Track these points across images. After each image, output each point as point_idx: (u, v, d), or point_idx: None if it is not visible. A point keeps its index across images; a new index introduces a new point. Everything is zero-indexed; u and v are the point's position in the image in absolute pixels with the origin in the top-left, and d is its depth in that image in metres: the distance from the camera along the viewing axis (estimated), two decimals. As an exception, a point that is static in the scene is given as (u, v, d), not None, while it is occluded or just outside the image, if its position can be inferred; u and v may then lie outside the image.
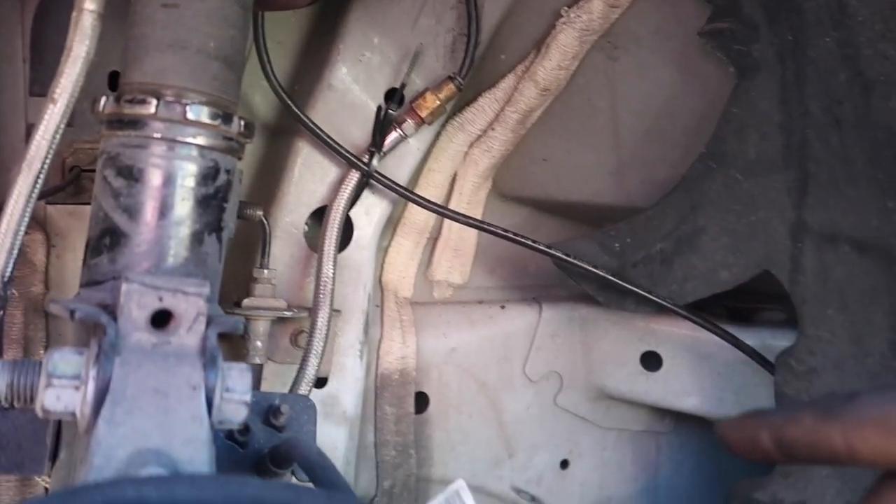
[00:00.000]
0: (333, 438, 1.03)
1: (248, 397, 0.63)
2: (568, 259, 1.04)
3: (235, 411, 0.63)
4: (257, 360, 0.95)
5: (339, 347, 1.03)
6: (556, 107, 1.09)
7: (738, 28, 0.87)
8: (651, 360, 1.19)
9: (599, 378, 1.22)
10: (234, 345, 1.00)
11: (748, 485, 1.06)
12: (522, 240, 1.04)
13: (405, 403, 1.12)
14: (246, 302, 0.93)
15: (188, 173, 0.70)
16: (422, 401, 1.15)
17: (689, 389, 1.19)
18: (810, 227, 0.96)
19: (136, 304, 0.61)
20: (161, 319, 0.62)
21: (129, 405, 0.57)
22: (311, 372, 0.93)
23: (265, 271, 0.95)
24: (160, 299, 0.62)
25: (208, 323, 0.63)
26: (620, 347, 1.20)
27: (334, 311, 1.00)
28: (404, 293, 1.16)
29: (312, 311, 0.95)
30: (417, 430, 1.14)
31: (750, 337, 1.11)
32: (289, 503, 0.50)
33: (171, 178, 0.69)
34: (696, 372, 1.18)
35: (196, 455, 0.57)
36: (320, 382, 1.03)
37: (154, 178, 0.69)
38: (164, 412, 0.58)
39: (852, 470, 0.99)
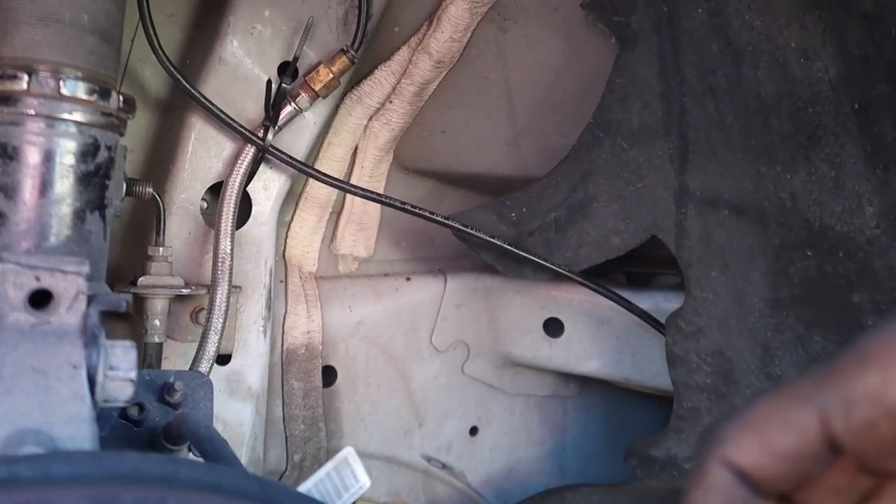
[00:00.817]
0: (240, 414, 1.03)
1: (133, 374, 0.63)
2: (466, 230, 1.06)
3: (120, 389, 0.63)
4: (156, 339, 0.94)
5: (242, 324, 1.03)
6: (452, 78, 1.11)
7: (617, 0, 0.89)
8: (553, 327, 1.23)
9: (505, 346, 1.26)
10: (133, 324, 0.99)
11: (645, 442, 1.11)
12: (421, 212, 1.05)
13: (312, 377, 1.13)
14: (142, 280, 0.92)
15: (66, 150, 0.69)
16: (329, 374, 1.16)
17: (590, 353, 1.23)
18: (692, 193, 1.00)
19: (13, 284, 0.60)
20: (40, 299, 0.62)
21: (7, 385, 0.57)
22: (211, 349, 0.93)
23: (161, 249, 0.94)
24: (37, 279, 0.61)
25: (89, 301, 0.62)
26: (524, 315, 1.23)
27: (235, 288, 0.99)
28: (308, 268, 1.17)
29: (211, 288, 0.95)
30: (326, 404, 1.15)
31: (644, 300, 1.15)
32: (168, 475, 0.50)
33: (49, 156, 0.69)
34: (595, 336, 1.22)
35: (77, 433, 0.57)
36: (224, 359, 1.02)
37: (31, 155, 0.68)
38: (43, 391, 0.57)
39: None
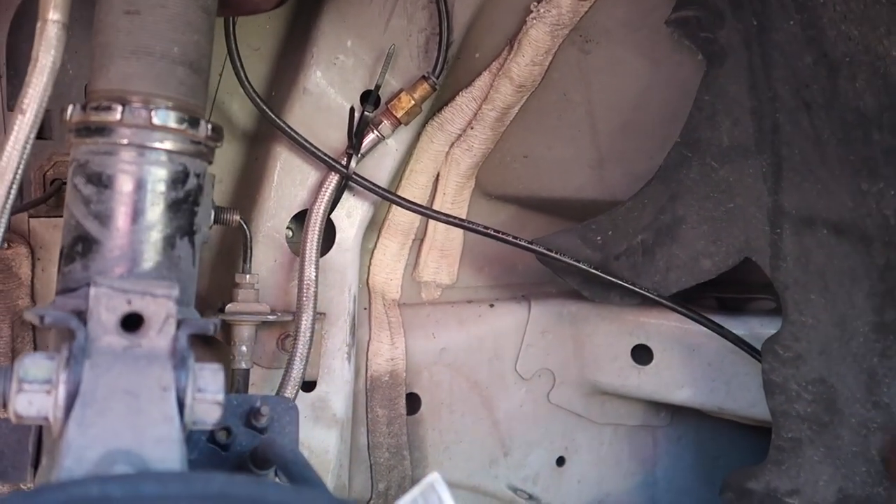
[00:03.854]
0: (325, 441, 1.03)
1: (220, 397, 0.63)
2: (551, 254, 1.04)
3: (208, 411, 0.63)
4: (243, 365, 0.95)
5: (327, 350, 1.04)
6: (534, 103, 1.10)
7: (704, 15, 0.87)
8: (642, 354, 1.19)
9: (592, 373, 1.22)
10: (220, 351, 1.00)
11: (742, 474, 1.05)
12: (504, 237, 1.04)
13: (396, 405, 1.13)
14: (229, 307, 0.94)
15: (157, 178, 0.71)
16: (413, 402, 1.16)
17: (681, 381, 1.19)
18: (787, 212, 0.96)
19: (105, 307, 0.62)
20: (131, 322, 0.63)
21: (100, 407, 0.58)
22: (297, 375, 0.93)
23: (247, 276, 0.96)
24: (129, 302, 0.62)
25: (179, 325, 0.63)
26: (611, 342, 1.20)
27: (319, 314, 1.00)
28: (392, 295, 1.17)
29: (296, 315, 0.96)
30: (410, 432, 1.15)
31: (738, 326, 1.11)
32: (254, 497, 0.50)
33: (141, 184, 0.70)
34: (686, 363, 1.18)
35: (167, 454, 0.57)
36: (309, 386, 1.03)
37: (124, 183, 0.70)
38: (134, 413, 0.58)
39: (844, 456, 0.99)
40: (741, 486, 1.04)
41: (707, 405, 1.19)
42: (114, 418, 0.57)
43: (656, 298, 1.04)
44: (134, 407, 0.58)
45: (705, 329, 1.12)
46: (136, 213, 0.70)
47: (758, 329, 1.12)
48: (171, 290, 0.63)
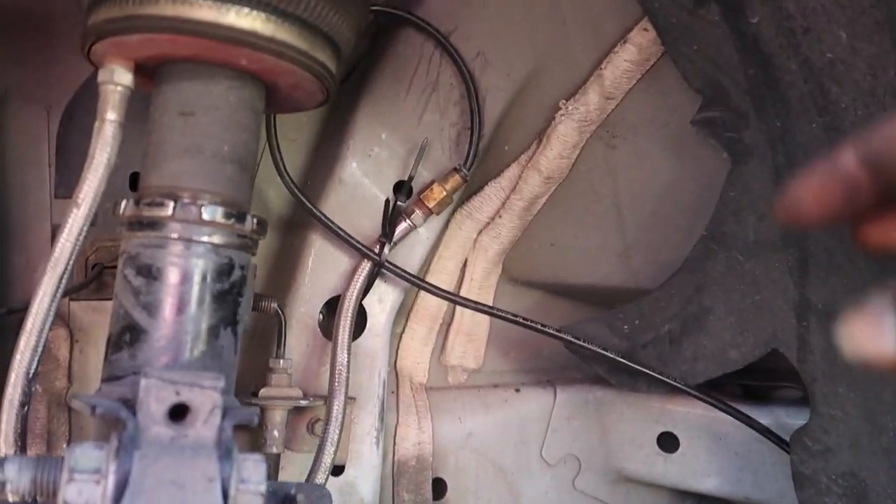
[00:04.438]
0: (351, 527, 1.03)
1: (262, 488, 0.64)
2: (578, 342, 1.05)
3: (251, 502, 0.64)
4: (274, 450, 0.96)
5: (356, 435, 1.05)
6: (561, 193, 1.13)
7: (728, 116, 0.90)
8: (668, 442, 1.19)
9: (618, 460, 1.22)
10: (251, 434, 1.02)
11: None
12: (532, 324, 1.06)
13: (423, 490, 1.13)
14: (263, 392, 0.95)
15: (204, 270, 0.74)
16: (439, 487, 1.16)
17: (708, 470, 1.18)
18: (814, 305, 0.97)
19: (155, 398, 0.64)
20: (178, 413, 0.65)
21: (148, 498, 0.59)
22: (327, 460, 0.94)
23: (281, 361, 0.98)
24: (177, 393, 0.64)
25: (224, 415, 0.65)
26: (637, 429, 1.20)
27: (349, 399, 1.01)
28: (419, 379, 1.18)
29: (328, 400, 0.97)
30: (436, 518, 1.14)
31: (764, 415, 1.11)
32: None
33: (188, 276, 0.73)
34: (713, 452, 1.18)
35: (213, 547, 0.58)
36: (337, 470, 1.04)
37: (172, 276, 0.73)
38: (180, 504, 0.60)
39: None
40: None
41: (734, 495, 1.18)
42: (161, 510, 0.59)
43: (684, 388, 1.05)
44: (180, 498, 0.60)
45: (732, 418, 1.12)
46: (183, 305, 0.72)
47: (784, 419, 1.12)
48: (217, 382, 0.65)
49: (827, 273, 0.95)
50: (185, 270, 0.73)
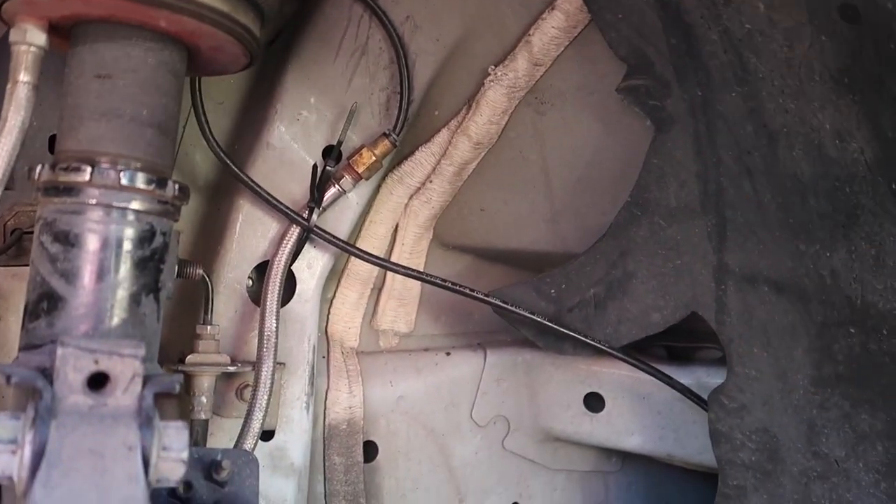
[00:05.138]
0: (282, 490, 1.04)
1: (185, 455, 0.64)
2: (506, 306, 1.07)
3: (173, 469, 0.64)
4: (203, 416, 0.96)
5: (285, 400, 1.05)
6: (491, 159, 1.14)
7: (652, 85, 0.92)
8: (594, 402, 1.23)
9: (546, 420, 1.25)
10: (180, 401, 1.01)
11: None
12: (461, 289, 1.07)
13: (354, 453, 1.14)
14: (190, 358, 0.95)
15: (124, 237, 0.72)
16: (370, 450, 1.17)
17: (632, 429, 1.22)
18: (731, 270, 1.00)
19: (72, 367, 0.63)
20: (97, 382, 0.64)
21: (65, 467, 0.59)
22: (256, 425, 0.94)
23: (208, 327, 0.97)
24: (96, 362, 0.63)
25: (144, 383, 0.65)
26: (564, 390, 1.23)
27: (279, 364, 1.01)
28: (350, 343, 1.19)
29: (256, 365, 0.97)
30: (367, 479, 1.16)
31: (685, 376, 1.15)
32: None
33: (107, 243, 0.72)
34: (636, 412, 1.21)
35: (132, 514, 0.58)
36: (267, 435, 1.04)
37: (90, 242, 0.71)
38: (100, 473, 0.59)
39: (786, 503, 1.03)
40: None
41: (656, 452, 1.22)
42: (79, 479, 0.58)
43: (608, 350, 1.07)
44: (99, 467, 0.59)
45: (655, 379, 1.16)
46: (103, 272, 0.71)
47: (704, 378, 1.16)
48: (137, 350, 0.64)
49: (744, 239, 0.98)
50: (103, 237, 0.72)
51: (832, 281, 0.91)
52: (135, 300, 0.72)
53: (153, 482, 0.63)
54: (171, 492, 0.75)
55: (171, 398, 1.01)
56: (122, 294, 0.72)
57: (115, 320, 0.71)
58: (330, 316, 1.18)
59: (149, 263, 0.74)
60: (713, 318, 1.02)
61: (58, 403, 0.61)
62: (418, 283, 1.22)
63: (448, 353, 1.23)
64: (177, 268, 0.85)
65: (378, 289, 1.21)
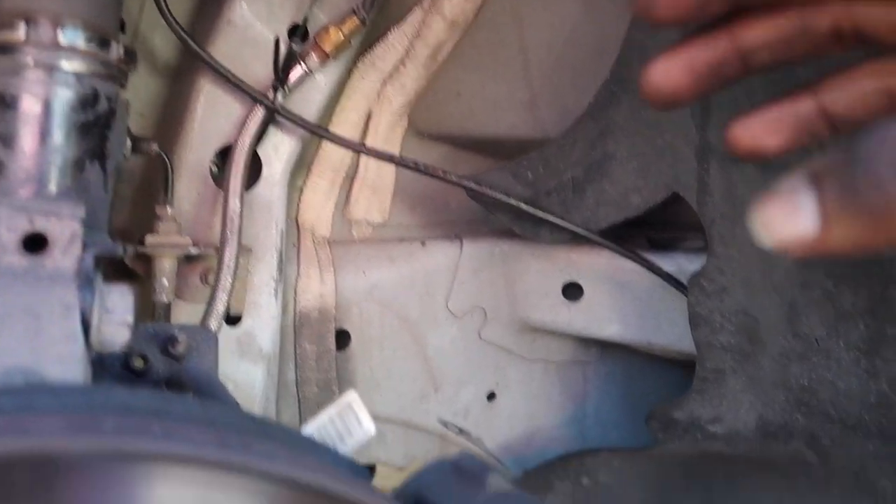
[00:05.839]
0: (251, 375, 1.03)
1: (129, 318, 0.62)
2: (481, 189, 1.04)
3: (117, 333, 0.62)
4: (164, 299, 0.94)
5: (253, 286, 1.03)
6: (466, 41, 1.09)
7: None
8: (573, 291, 1.21)
9: (523, 310, 1.24)
10: (141, 287, 0.99)
11: (667, 405, 1.08)
12: (434, 172, 1.04)
13: (325, 340, 1.12)
14: (149, 239, 0.92)
15: (65, 100, 0.69)
16: (343, 338, 1.16)
17: (611, 317, 1.20)
18: (714, 148, 0.97)
19: (6, 227, 0.60)
20: (34, 244, 0.61)
21: (-2, 327, 0.56)
22: (220, 307, 0.92)
23: (168, 208, 0.94)
24: (31, 222, 0.61)
25: (85, 246, 0.62)
26: (542, 279, 1.21)
27: (245, 249, 0.99)
28: (322, 232, 1.16)
29: (220, 249, 0.94)
30: (340, 367, 1.15)
31: (666, 263, 1.12)
32: (158, 408, 0.50)
33: (47, 105, 0.68)
34: (616, 300, 1.19)
35: (69, 373, 0.56)
36: (234, 320, 1.02)
37: (28, 104, 0.68)
38: (34, 332, 0.57)
39: (765, 384, 1.02)
40: (666, 415, 1.07)
41: (636, 340, 1.21)
42: (11, 337, 0.56)
43: (586, 234, 1.05)
44: (34, 326, 0.57)
45: (635, 266, 1.14)
46: (43, 135, 0.68)
47: (685, 265, 1.13)
48: (76, 210, 0.61)
49: (728, 115, 0.94)
50: (43, 99, 0.68)
51: (818, 151, 0.88)
52: (78, 166, 0.69)
53: (96, 346, 0.61)
54: (126, 364, 0.73)
55: (133, 282, 0.99)
56: (63, 159, 0.68)
57: (58, 186, 0.68)
58: (300, 204, 1.15)
59: (93, 129, 0.70)
60: (694, 199, 1.00)
61: (-10, 263, 0.59)
62: (392, 171, 1.18)
63: (423, 244, 1.20)
64: (131, 143, 0.82)
65: (350, 177, 1.17)
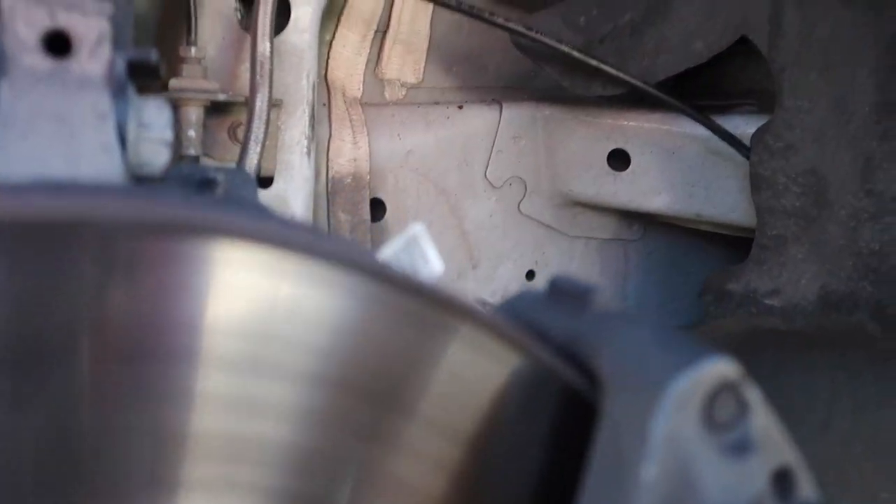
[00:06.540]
0: (283, 242, 0.95)
1: (168, 135, 0.54)
2: (529, 34, 0.94)
3: (156, 152, 0.54)
4: (192, 152, 0.85)
5: (284, 143, 0.94)
6: None
7: None
8: (618, 160, 1.13)
9: (565, 182, 1.16)
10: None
11: (722, 276, 1.02)
12: (478, 13, 0.94)
13: (360, 210, 1.05)
14: (173, 83, 0.83)
15: None
16: (378, 208, 1.08)
17: (659, 187, 1.13)
18: (793, -20, 0.88)
19: (24, 20, 0.51)
20: (57, 45, 0.52)
21: (23, 129, 0.48)
22: (253, 161, 0.84)
23: (193, 49, 0.85)
24: (52, 17, 0.52)
25: (115, 49, 0.53)
26: (586, 147, 1.13)
27: (276, 101, 0.90)
28: (353, 92, 1.07)
29: (250, 96, 0.86)
30: (375, 239, 1.07)
31: (723, 125, 1.04)
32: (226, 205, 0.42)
33: None
34: (665, 168, 1.12)
35: (109, 187, 0.48)
36: (265, 182, 0.94)
37: None
38: (66, 140, 0.49)
39: (830, 251, 0.95)
40: (721, 287, 1.01)
41: (685, 212, 1.13)
42: (41, 144, 0.48)
43: (644, 88, 0.96)
44: (66, 133, 0.49)
45: (686, 131, 1.06)
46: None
47: (743, 128, 1.05)
48: (103, 6, 0.53)
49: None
50: None
51: None
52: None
53: (134, 166, 0.53)
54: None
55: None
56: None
57: (76, -10, 0.59)
58: (329, 61, 1.05)
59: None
60: (766, 43, 0.91)
61: (8, 61, 0.50)
62: (427, 25, 1.09)
63: (460, 107, 1.11)
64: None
65: (382, 32, 1.08)
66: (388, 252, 0.57)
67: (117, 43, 0.59)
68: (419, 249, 0.58)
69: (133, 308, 0.30)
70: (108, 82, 0.52)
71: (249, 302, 0.31)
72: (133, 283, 0.30)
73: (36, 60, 0.51)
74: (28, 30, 0.51)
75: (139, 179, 0.56)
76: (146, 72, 0.55)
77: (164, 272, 0.30)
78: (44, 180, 0.41)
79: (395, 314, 0.34)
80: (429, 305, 0.36)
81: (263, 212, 0.57)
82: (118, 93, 0.52)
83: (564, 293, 0.45)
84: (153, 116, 0.53)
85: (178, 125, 0.85)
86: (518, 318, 0.45)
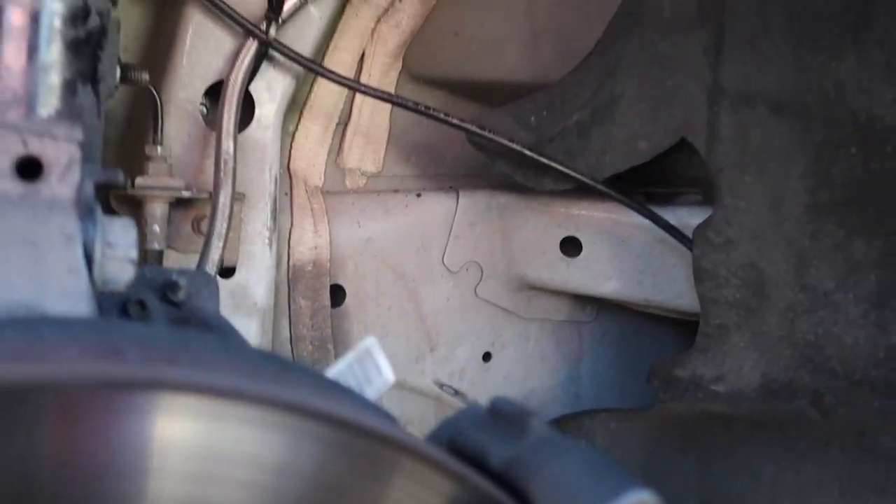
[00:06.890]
0: (245, 330, 0.97)
1: (133, 254, 0.57)
2: (483, 133, 0.99)
3: (121, 270, 0.57)
4: (156, 246, 0.88)
5: (247, 235, 0.97)
6: (466, -25, 1.04)
7: None
8: (571, 246, 1.17)
9: (520, 267, 1.20)
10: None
11: (668, 362, 1.05)
12: (434, 113, 0.99)
13: (320, 296, 1.08)
14: (139, 181, 0.86)
15: (54, 12, 0.62)
16: (338, 293, 1.11)
17: (609, 273, 1.17)
18: (727, 90, 0.93)
19: (-3, 148, 0.54)
20: (29, 170, 0.55)
21: (-8, 255, 0.51)
22: (215, 255, 0.87)
23: (159, 148, 0.88)
24: (24, 144, 0.55)
25: (83, 170, 0.56)
26: (540, 234, 1.18)
27: (238, 195, 0.93)
28: (314, 181, 1.10)
29: (214, 192, 0.89)
30: (335, 325, 1.10)
31: (667, 216, 1.09)
32: (176, 342, 0.45)
33: (35, 17, 0.62)
34: (615, 255, 1.16)
35: (75, 309, 0.51)
36: (228, 272, 0.97)
37: (14, 16, 0.61)
38: (34, 263, 0.51)
39: (770, 341, 1.00)
40: (668, 373, 1.05)
41: (634, 297, 1.18)
42: (10, 268, 0.50)
43: (591, 183, 1.01)
44: (33, 257, 0.51)
45: (634, 221, 1.11)
46: (31, 51, 0.61)
47: (687, 219, 1.11)
48: (73, 132, 0.55)
49: (743, 52, 0.91)
50: (30, 10, 0.61)
51: (837, 94, 0.85)
52: (69, 89, 0.63)
53: (100, 284, 0.56)
54: (123, 310, 0.67)
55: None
56: (54, 79, 0.62)
57: (49, 109, 0.62)
58: (292, 151, 1.09)
59: (84, 48, 0.64)
60: (703, 145, 0.96)
61: (-19, 187, 0.53)
62: (387, 118, 1.13)
63: (419, 195, 1.16)
64: (120, 71, 0.76)
65: (343, 124, 1.12)
66: (343, 364, 0.60)
67: (87, 159, 0.62)
68: (372, 360, 0.61)
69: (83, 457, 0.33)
70: (77, 204, 0.55)
71: (192, 446, 0.34)
72: (83, 433, 0.33)
73: (8, 185, 0.54)
74: (2, 158, 0.54)
75: (103, 301, 0.58)
76: (112, 188, 0.58)
77: (113, 423, 0.33)
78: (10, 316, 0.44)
79: (340, 454, 0.37)
80: (374, 442, 0.39)
81: (222, 327, 0.60)
82: (86, 214, 0.55)
83: (503, 415, 0.49)
84: (119, 236, 0.56)
85: (143, 220, 0.88)
86: (459, 438, 0.48)
